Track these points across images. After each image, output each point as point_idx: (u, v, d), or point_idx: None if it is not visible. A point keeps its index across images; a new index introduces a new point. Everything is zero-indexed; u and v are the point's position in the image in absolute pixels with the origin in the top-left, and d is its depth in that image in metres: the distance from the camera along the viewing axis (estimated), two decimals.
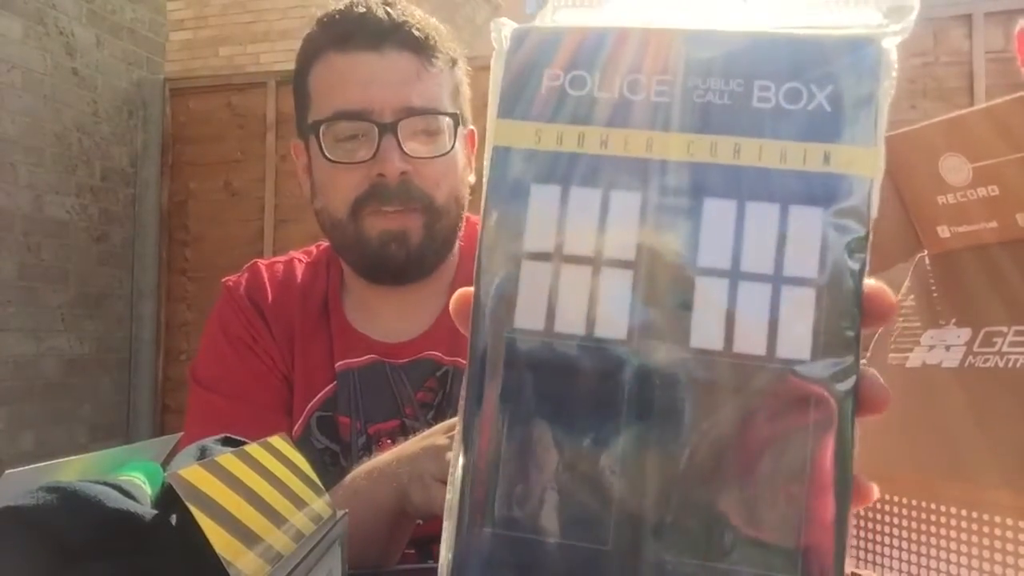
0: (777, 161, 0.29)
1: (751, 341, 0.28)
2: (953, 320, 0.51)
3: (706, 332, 0.28)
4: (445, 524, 0.29)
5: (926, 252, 0.54)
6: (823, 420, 0.27)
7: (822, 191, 0.28)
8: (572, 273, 0.29)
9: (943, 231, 0.52)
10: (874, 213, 0.28)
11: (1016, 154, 0.45)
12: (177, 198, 3.95)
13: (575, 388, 0.29)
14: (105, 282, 3.79)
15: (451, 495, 0.29)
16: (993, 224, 0.49)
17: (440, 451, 0.66)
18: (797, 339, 0.27)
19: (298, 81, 0.90)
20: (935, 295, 0.53)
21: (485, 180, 0.30)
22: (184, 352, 3.85)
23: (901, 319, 0.54)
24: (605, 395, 0.28)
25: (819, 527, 0.27)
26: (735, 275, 0.28)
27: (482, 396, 0.29)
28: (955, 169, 0.48)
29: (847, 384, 0.27)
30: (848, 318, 0.28)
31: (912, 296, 0.55)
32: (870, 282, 0.28)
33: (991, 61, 3.04)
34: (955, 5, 3.14)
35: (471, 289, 0.30)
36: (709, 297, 0.28)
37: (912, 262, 0.55)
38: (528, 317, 0.29)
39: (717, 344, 0.28)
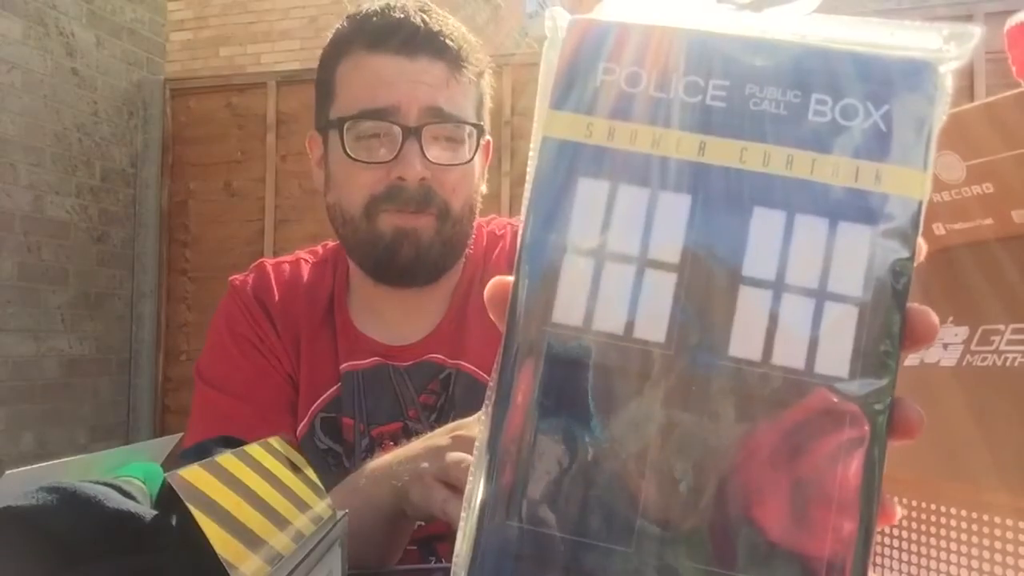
0: (829, 176, 0.29)
1: (790, 354, 0.28)
2: (950, 318, 0.51)
3: (746, 342, 0.28)
4: (463, 514, 0.29)
5: None
6: (855, 439, 0.27)
7: (871, 210, 0.28)
8: (615, 271, 0.29)
9: (938, 228, 0.52)
10: (919, 235, 0.28)
11: (1011, 151, 0.45)
12: (177, 198, 3.95)
13: (609, 388, 0.28)
14: (105, 282, 3.79)
15: (471, 486, 0.29)
16: (989, 221, 0.49)
17: (441, 452, 0.66)
18: (836, 356, 0.28)
19: (323, 74, 0.89)
20: (932, 293, 0.53)
21: (531, 170, 0.30)
22: (184, 352, 3.85)
23: None
24: (639, 397, 0.28)
25: (842, 544, 0.27)
26: (779, 287, 0.28)
27: (512, 388, 0.29)
28: (949, 167, 0.48)
29: (882, 405, 0.27)
30: (888, 339, 0.28)
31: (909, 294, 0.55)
32: (913, 304, 0.28)
33: (991, 61, 3.03)
34: (955, 5, 3.14)
35: (509, 279, 0.29)
36: (751, 307, 0.28)
37: None
38: (567, 312, 0.29)
39: (756, 355, 0.28)
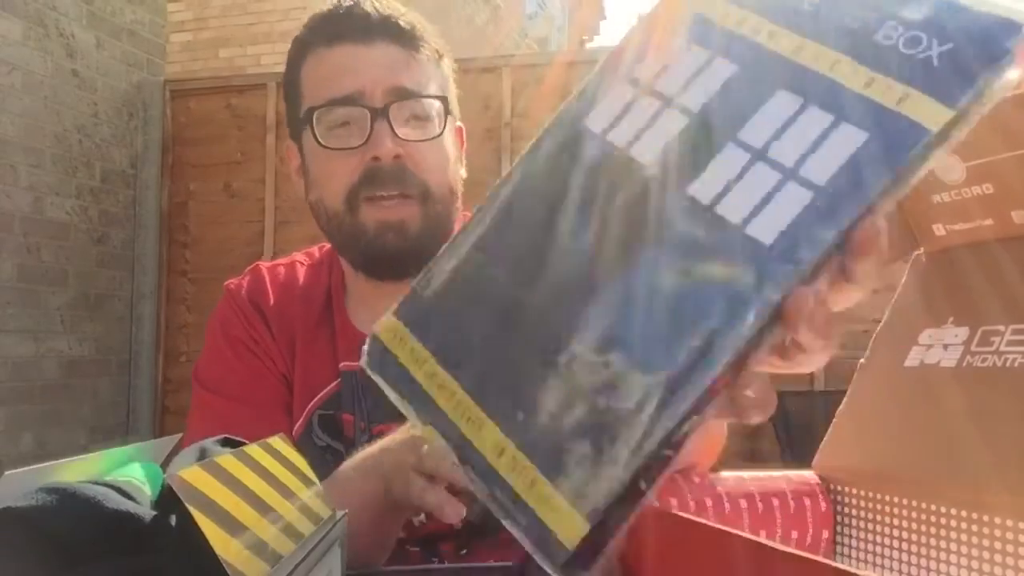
0: (860, 86, 0.31)
1: (734, 209, 0.31)
2: (951, 319, 0.51)
3: (706, 186, 0.31)
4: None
5: (922, 250, 0.54)
6: (741, 294, 0.29)
7: (878, 122, 0.30)
8: (646, 102, 0.35)
9: (939, 229, 0.52)
10: (918, 171, 0.29)
11: (1011, 152, 0.45)
12: (177, 199, 3.95)
13: (593, 181, 0.34)
14: (105, 283, 3.79)
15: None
16: (989, 222, 0.49)
17: (419, 443, 0.66)
18: (770, 224, 0.30)
19: (289, 82, 0.92)
20: (932, 293, 0.53)
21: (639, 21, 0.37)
22: (184, 354, 3.85)
23: (899, 317, 0.54)
24: (598, 191, 0.34)
25: (690, 360, 0.29)
26: (759, 155, 0.31)
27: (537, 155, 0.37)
28: (949, 168, 0.48)
29: (777, 289, 0.29)
30: (823, 231, 0.29)
31: (909, 294, 0.55)
32: (876, 222, 0.29)
33: None
34: None
35: None
36: (728, 162, 0.32)
37: (909, 260, 0.55)
38: (598, 121, 0.35)
39: (707, 199, 0.31)
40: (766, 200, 0.30)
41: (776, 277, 0.29)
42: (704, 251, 0.30)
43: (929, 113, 0.29)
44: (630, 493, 0.28)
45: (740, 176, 0.31)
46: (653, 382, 0.29)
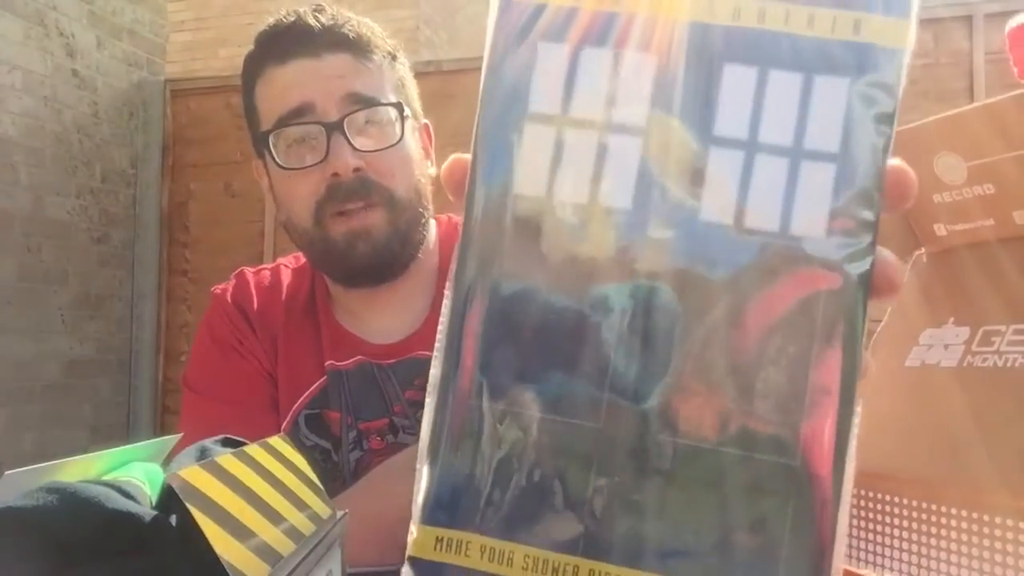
0: (804, 27, 0.27)
1: (764, 217, 0.26)
2: (951, 319, 0.51)
3: (717, 205, 0.26)
4: (428, 399, 0.29)
5: (923, 250, 0.54)
6: (833, 301, 0.26)
7: (849, 61, 0.27)
8: (577, 138, 0.27)
9: (940, 229, 0.52)
10: (902, 87, 0.26)
11: (1012, 152, 0.45)
12: (177, 199, 3.95)
13: (576, 254, 0.27)
14: (105, 283, 3.79)
15: (434, 370, 0.29)
16: (990, 222, 0.49)
17: None
18: (812, 215, 0.26)
19: (246, 104, 0.91)
20: (933, 294, 0.53)
21: (489, 34, 0.28)
22: (184, 353, 3.85)
23: (900, 318, 0.54)
24: (606, 264, 0.27)
25: (820, 414, 0.25)
26: (752, 146, 0.27)
27: (471, 254, 0.28)
28: (950, 167, 0.48)
29: (862, 266, 0.26)
30: (868, 196, 0.26)
31: (910, 295, 0.55)
32: (894, 161, 0.27)
33: (991, 62, 3.03)
34: (956, 6, 3.14)
35: (467, 156, 0.28)
36: (722, 168, 0.26)
37: (910, 260, 0.55)
38: (528, 183, 0.27)
39: (728, 219, 0.26)
40: (791, 191, 0.26)
41: (853, 259, 0.26)
42: (763, 275, 0.26)
43: (890, 31, 0.27)
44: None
45: (746, 178, 0.26)
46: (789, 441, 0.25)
